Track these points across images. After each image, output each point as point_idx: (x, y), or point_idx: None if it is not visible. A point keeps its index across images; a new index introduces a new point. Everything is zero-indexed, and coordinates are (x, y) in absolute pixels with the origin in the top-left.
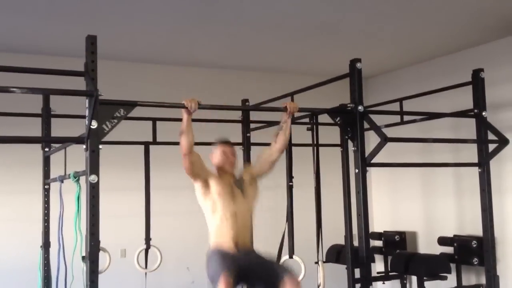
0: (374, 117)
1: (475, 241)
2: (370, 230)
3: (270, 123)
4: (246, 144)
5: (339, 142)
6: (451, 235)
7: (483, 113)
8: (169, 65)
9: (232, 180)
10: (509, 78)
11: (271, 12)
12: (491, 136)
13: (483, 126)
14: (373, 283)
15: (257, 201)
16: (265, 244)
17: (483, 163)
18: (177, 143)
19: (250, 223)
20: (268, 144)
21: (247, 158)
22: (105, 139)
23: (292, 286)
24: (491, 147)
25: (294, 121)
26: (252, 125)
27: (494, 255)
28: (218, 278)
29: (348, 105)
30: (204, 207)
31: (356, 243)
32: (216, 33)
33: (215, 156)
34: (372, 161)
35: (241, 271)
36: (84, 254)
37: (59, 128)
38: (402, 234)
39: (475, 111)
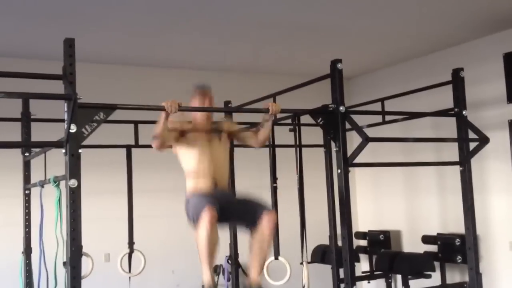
0: (356, 117)
1: (458, 239)
2: (355, 230)
3: (253, 124)
4: (230, 145)
5: (322, 143)
6: (435, 234)
7: (464, 112)
8: (149, 67)
9: (209, 126)
10: (488, 76)
11: (252, 13)
12: (471, 135)
13: (464, 125)
14: (358, 282)
15: (229, 153)
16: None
17: (464, 162)
18: None
19: (227, 165)
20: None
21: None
22: (86, 142)
23: (269, 221)
24: (472, 145)
25: (277, 122)
26: None
27: (477, 252)
28: (200, 215)
29: (330, 105)
30: (180, 154)
31: (340, 243)
32: (197, 35)
33: (193, 102)
34: (355, 161)
35: (221, 209)
36: (65, 260)
37: (40, 132)
38: (386, 233)
39: (456, 110)
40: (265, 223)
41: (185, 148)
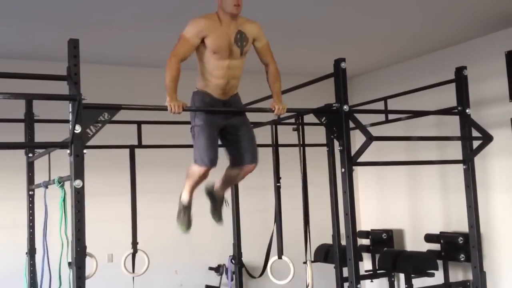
0: (359, 116)
1: (461, 238)
2: (358, 229)
3: (256, 124)
4: None
5: (325, 142)
6: (438, 232)
7: (467, 110)
8: (154, 67)
9: (233, 33)
10: (491, 74)
11: (255, 14)
12: (475, 133)
13: (467, 123)
14: (361, 281)
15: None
16: (254, 244)
17: (468, 160)
18: (162, 146)
19: (240, 75)
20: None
21: None
22: (90, 143)
23: (251, 170)
24: (475, 143)
25: (280, 121)
26: None
27: (480, 251)
28: (200, 162)
29: (333, 104)
30: (199, 57)
31: (344, 242)
32: None
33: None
34: (358, 160)
35: (223, 130)
36: (70, 260)
37: (43, 133)
38: (389, 232)
39: (459, 108)
40: (247, 170)
41: (203, 54)
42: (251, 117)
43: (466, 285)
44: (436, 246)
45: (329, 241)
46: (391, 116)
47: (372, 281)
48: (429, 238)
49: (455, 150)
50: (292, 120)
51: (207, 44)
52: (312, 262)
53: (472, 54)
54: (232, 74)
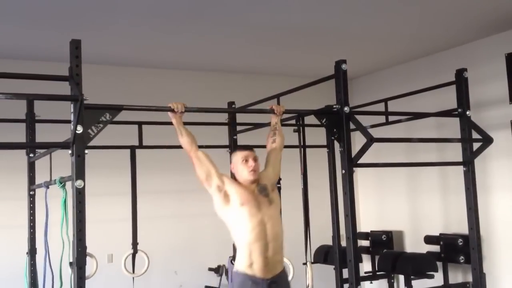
0: (359, 117)
1: (461, 239)
2: (357, 230)
3: (256, 125)
4: (233, 147)
5: (325, 143)
6: (437, 234)
7: (467, 112)
8: (154, 68)
9: (256, 188)
10: (491, 77)
11: (256, 15)
12: (475, 135)
13: (467, 125)
14: (361, 283)
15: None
16: None
17: (468, 162)
18: (163, 147)
19: (281, 232)
20: (256, 146)
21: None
22: (91, 143)
23: None
24: (476, 145)
25: (281, 123)
26: (239, 128)
27: (480, 252)
28: None
29: (334, 106)
30: (227, 220)
31: (343, 243)
32: (202, 36)
33: (235, 165)
34: (359, 162)
35: None
36: (71, 260)
37: (44, 134)
38: (389, 233)
39: (459, 110)
40: None
41: (230, 211)
42: (252, 118)
43: (466, 286)
44: (435, 248)
45: (329, 242)
46: (391, 118)
47: (371, 283)
48: (428, 239)
49: (455, 152)
50: (293, 121)
51: (232, 199)
52: (312, 263)
53: (472, 56)
54: (271, 233)
